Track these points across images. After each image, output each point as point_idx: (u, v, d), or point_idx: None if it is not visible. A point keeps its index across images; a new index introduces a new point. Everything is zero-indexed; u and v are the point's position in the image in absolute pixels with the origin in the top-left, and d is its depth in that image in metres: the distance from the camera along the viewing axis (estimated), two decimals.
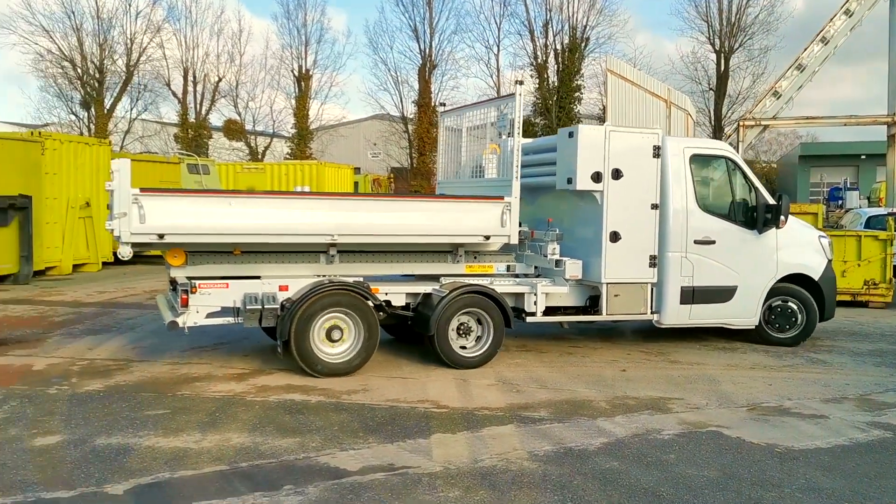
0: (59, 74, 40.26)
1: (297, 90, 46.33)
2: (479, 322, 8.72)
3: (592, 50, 45.48)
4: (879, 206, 26.89)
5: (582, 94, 44.69)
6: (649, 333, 10.91)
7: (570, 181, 9.08)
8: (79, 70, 40.14)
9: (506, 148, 9.55)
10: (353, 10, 72.93)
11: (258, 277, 8.11)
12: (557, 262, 9.10)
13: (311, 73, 46.62)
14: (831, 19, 36.24)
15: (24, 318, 11.60)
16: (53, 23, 40.16)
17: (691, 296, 9.53)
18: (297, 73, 46.45)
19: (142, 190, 7.32)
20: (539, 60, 44.72)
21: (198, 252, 8.02)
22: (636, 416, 6.87)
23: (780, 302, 10.19)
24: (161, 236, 7.42)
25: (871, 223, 18.12)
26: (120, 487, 5.03)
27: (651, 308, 9.47)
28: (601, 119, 43.92)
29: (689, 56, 54.42)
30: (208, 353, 9.16)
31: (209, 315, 7.81)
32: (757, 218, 9.80)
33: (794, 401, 7.54)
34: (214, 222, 7.59)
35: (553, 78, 44.52)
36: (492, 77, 47.61)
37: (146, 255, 12.54)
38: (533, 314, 9.04)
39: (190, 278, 7.85)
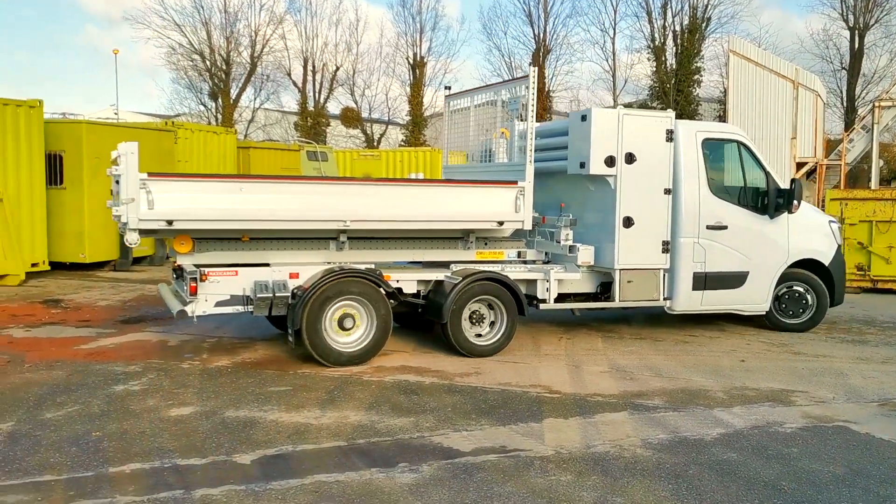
0: (190, 67, 42.41)
1: (411, 77, 46.95)
2: (491, 309, 8.55)
3: (714, 30, 43.93)
4: None
5: (702, 76, 43.31)
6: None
7: (582, 165, 8.90)
8: (207, 62, 42.12)
9: (514, 132, 9.47)
10: None
11: (267, 265, 7.97)
12: (571, 248, 8.92)
13: (425, 60, 47.13)
14: None
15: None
16: (184, 17, 42.32)
17: (703, 282, 9.38)
18: (411, 61, 47.05)
19: (149, 174, 7.16)
20: (657, 42, 43.57)
21: (205, 239, 7.87)
22: (756, 408, 6.66)
23: (792, 287, 10.04)
24: (170, 222, 7.25)
25: None
26: (247, 457, 5.31)
27: (663, 294, 9.30)
28: (721, 102, 42.38)
29: (820, 33, 51.63)
30: None
31: (218, 304, 7.62)
32: (769, 203, 9.63)
33: None
34: (225, 208, 7.42)
35: (671, 60, 43.28)
36: (607, 61, 46.80)
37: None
38: (545, 301, 8.90)
39: (198, 266, 7.71)
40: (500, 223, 8.60)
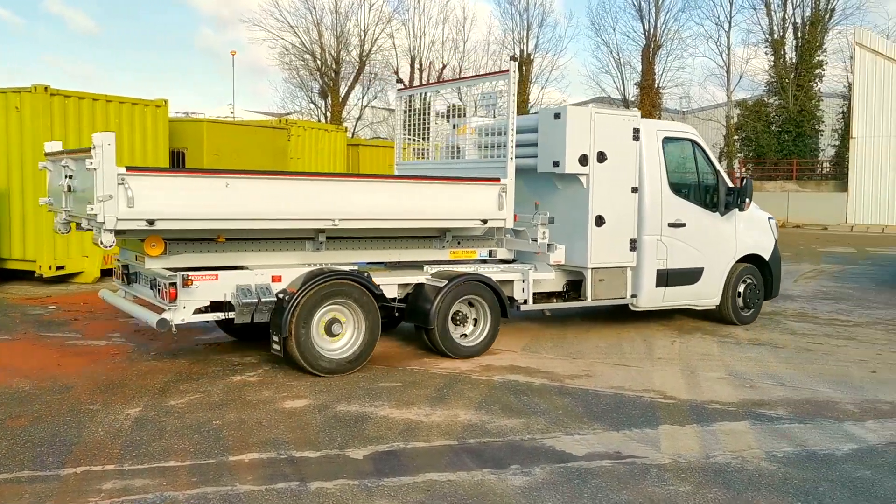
0: (301, 66, 43.65)
1: (517, 74, 46.76)
2: (471, 307, 8.30)
3: (838, 21, 41.83)
4: None
5: (824, 70, 41.28)
6: None
7: (556, 164, 8.84)
8: (318, 62, 43.22)
9: (478, 128, 9.50)
10: None
11: (241, 267, 7.40)
12: (549, 247, 8.65)
13: (532, 57, 46.93)
14: None
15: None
16: (297, 18, 43.59)
17: (665, 278, 9.55)
18: (518, 58, 46.81)
19: (128, 169, 6.39)
20: (775, 36, 41.78)
21: (178, 240, 7.16)
22: (891, 423, 6.22)
23: (749, 281, 10.37)
24: (151, 222, 6.48)
25: None
26: (360, 452, 5.36)
27: (630, 291, 9.38)
28: (845, 98, 40.25)
29: None
30: None
31: (197, 311, 6.98)
32: (719, 200, 9.90)
33: None
34: (210, 205, 6.74)
35: (791, 54, 41.43)
36: (721, 56, 45.34)
37: None
38: (524, 302, 8.77)
39: (173, 270, 7.01)
40: (484, 221, 8.29)
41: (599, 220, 8.96)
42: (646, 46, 45.11)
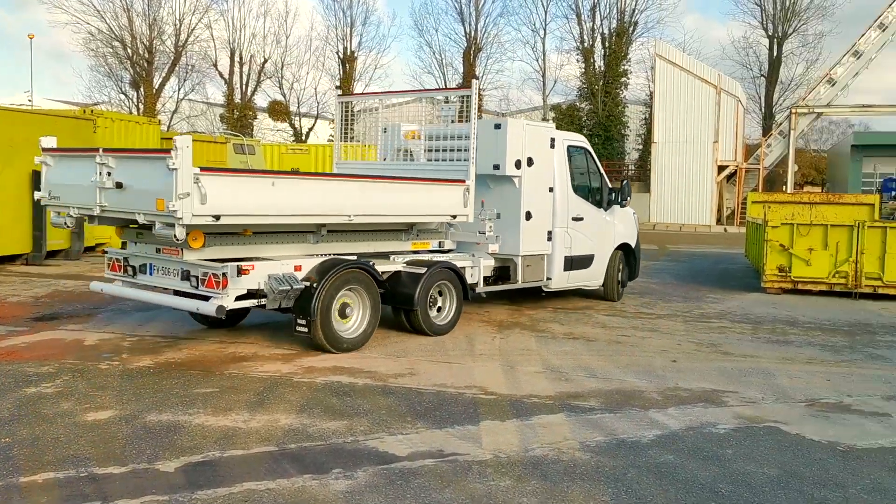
0: (110, 54, 40.93)
1: (341, 72, 46.49)
2: (440, 295, 9.45)
3: (641, 34, 44.95)
4: None
5: (629, 79, 44.21)
6: (700, 326, 10.72)
7: (497, 167, 10.17)
8: (129, 50, 40.72)
9: (428, 133, 10.60)
10: None
11: (258, 259, 7.95)
12: (497, 238, 9.93)
13: (355, 54, 46.79)
14: (890, 5, 35.14)
15: (74, 293, 11.77)
16: (104, 2, 40.77)
17: (571, 263, 11.34)
18: (341, 55, 46.61)
19: (202, 169, 6.93)
20: (586, 44, 44.23)
21: (213, 234, 7.69)
22: (690, 409, 6.69)
23: (624, 265, 12.52)
24: (217, 217, 7.09)
25: None
26: (171, 465, 5.02)
27: (546, 275, 11.00)
28: (647, 105, 43.31)
29: (741, 41, 53.39)
30: (254, 333, 9.18)
31: (237, 298, 7.58)
32: (602, 199, 11.96)
33: (854, 397, 7.28)
34: (260, 203, 7.47)
35: (599, 62, 43.97)
36: (537, 61, 47.34)
37: None
38: (476, 284, 10.00)
39: (214, 260, 7.66)
40: (454, 216, 9.59)
41: (528, 215, 10.46)
42: (467, 49, 46.26)
